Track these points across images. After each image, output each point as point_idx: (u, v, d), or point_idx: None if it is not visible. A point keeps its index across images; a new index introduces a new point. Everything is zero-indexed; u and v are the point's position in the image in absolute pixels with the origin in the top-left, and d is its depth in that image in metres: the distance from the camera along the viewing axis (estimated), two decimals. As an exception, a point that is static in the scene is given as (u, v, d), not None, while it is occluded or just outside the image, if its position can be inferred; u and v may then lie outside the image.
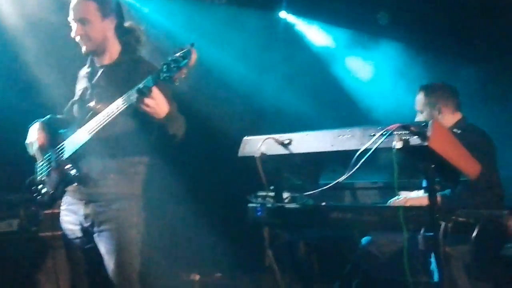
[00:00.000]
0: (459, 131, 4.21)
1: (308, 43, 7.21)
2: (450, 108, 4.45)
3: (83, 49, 3.45)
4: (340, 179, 3.26)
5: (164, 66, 2.94)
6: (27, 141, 3.60)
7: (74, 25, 3.41)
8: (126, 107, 3.11)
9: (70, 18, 3.43)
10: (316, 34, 7.25)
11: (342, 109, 6.74)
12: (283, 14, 7.22)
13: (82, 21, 3.38)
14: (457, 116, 4.45)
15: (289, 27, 7.23)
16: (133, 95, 3.06)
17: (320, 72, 6.98)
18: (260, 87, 6.64)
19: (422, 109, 4.51)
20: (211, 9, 6.46)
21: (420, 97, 4.52)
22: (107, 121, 3.18)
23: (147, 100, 3.04)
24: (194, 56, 2.92)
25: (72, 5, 3.42)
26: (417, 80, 5.66)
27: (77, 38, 3.42)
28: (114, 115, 3.15)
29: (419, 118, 4.53)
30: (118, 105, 3.14)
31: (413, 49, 6.63)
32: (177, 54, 2.92)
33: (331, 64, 7.16)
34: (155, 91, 3.04)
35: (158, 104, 3.08)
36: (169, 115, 3.15)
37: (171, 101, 3.32)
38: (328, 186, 3.37)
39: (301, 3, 6.89)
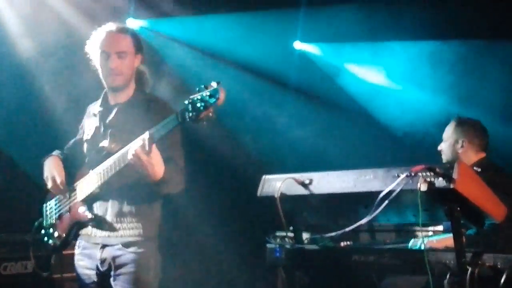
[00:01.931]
0: (479, 169, 4.16)
1: (327, 72, 7.09)
2: (475, 147, 4.42)
3: (112, 82, 3.38)
4: (363, 221, 3.18)
5: (189, 105, 2.84)
6: (46, 175, 3.48)
7: (111, 57, 3.33)
8: (123, 165, 3.10)
9: (105, 49, 3.35)
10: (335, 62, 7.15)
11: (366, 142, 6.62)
12: (297, 45, 7.18)
13: (120, 54, 3.33)
14: (480, 155, 4.42)
15: (305, 57, 7.16)
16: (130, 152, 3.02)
17: (339, 103, 6.87)
18: (279, 122, 6.56)
19: (447, 138, 4.53)
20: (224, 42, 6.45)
21: (449, 127, 4.54)
22: (117, 168, 3.14)
23: (145, 159, 3.01)
24: (222, 95, 2.81)
25: (109, 37, 3.36)
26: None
27: (110, 71, 3.34)
28: (120, 168, 3.12)
29: (441, 146, 4.55)
30: (118, 159, 3.12)
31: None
32: (204, 93, 2.82)
33: (351, 92, 7.03)
34: (154, 151, 3.01)
35: (153, 165, 3.04)
36: (162, 179, 3.12)
37: (178, 148, 3.32)
38: (351, 228, 3.28)
39: (315, 30, 6.77)
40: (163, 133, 2.97)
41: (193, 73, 5.97)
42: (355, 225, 3.24)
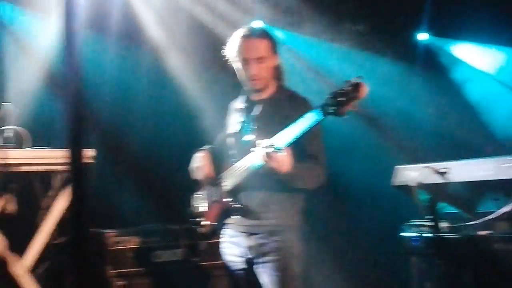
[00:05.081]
0: None
1: (456, 66, 6.90)
2: None
3: (253, 87, 3.51)
4: (507, 209, 3.16)
5: (332, 99, 2.96)
6: (193, 166, 3.69)
7: (250, 64, 3.43)
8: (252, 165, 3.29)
9: (244, 56, 3.45)
10: (466, 55, 6.89)
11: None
12: (422, 36, 7.02)
13: (259, 60, 3.43)
14: None
15: (430, 49, 7.01)
16: (268, 148, 3.14)
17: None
18: (407, 114, 6.49)
19: None
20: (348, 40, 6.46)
21: None
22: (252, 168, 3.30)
23: (275, 158, 3.14)
24: (364, 88, 2.92)
25: (247, 43, 3.45)
26: None
27: (250, 77, 3.46)
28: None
29: None
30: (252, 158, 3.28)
31: None
32: (346, 87, 2.93)
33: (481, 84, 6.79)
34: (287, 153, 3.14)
35: (281, 165, 3.16)
36: (289, 174, 3.22)
37: (321, 145, 3.42)
38: (493, 215, 3.28)
39: (446, 21, 6.52)
40: (306, 127, 3.09)
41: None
42: (499, 213, 3.23)
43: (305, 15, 6.18)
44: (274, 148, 3.12)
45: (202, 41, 5.74)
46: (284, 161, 3.16)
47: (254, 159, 3.26)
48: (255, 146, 3.26)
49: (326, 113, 3.02)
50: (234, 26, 3.87)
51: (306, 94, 3.56)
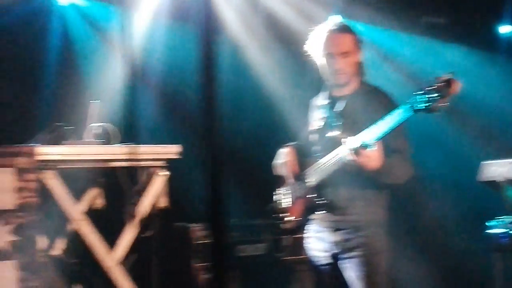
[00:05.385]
0: None
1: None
2: None
3: (337, 81, 3.50)
4: None
5: (421, 96, 2.95)
6: (277, 161, 3.71)
7: (336, 59, 3.43)
8: (339, 160, 3.28)
9: (329, 51, 3.45)
10: None
11: None
12: (504, 29, 6.85)
13: (344, 54, 3.43)
14: None
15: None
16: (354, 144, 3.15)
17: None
18: (491, 108, 6.35)
19: None
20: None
21: None
22: (339, 164, 3.30)
23: (364, 154, 3.15)
24: (457, 85, 2.90)
25: (332, 38, 3.46)
26: None
27: (335, 71, 3.46)
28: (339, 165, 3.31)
29: None
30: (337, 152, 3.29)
31: None
32: (437, 83, 2.92)
33: None
34: (378, 148, 3.13)
35: (370, 161, 3.17)
36: (378, 170, 3.21)
37: (403, 138, 3.38)
38: None
39: None
40: (395, 123, 3.09)
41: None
42: None
43: (382, 8, 6.12)
44: (363, 144, 3.12)
45: (280, 36, 5.78)
46: (374, 157, 3.17)
47: (341, 155, 3.27)
48: (339, 142, 3.27)
49: (416, 110, 3.00)
50: (312, 21, 3.87)
51: (386, 87, 3.54)
